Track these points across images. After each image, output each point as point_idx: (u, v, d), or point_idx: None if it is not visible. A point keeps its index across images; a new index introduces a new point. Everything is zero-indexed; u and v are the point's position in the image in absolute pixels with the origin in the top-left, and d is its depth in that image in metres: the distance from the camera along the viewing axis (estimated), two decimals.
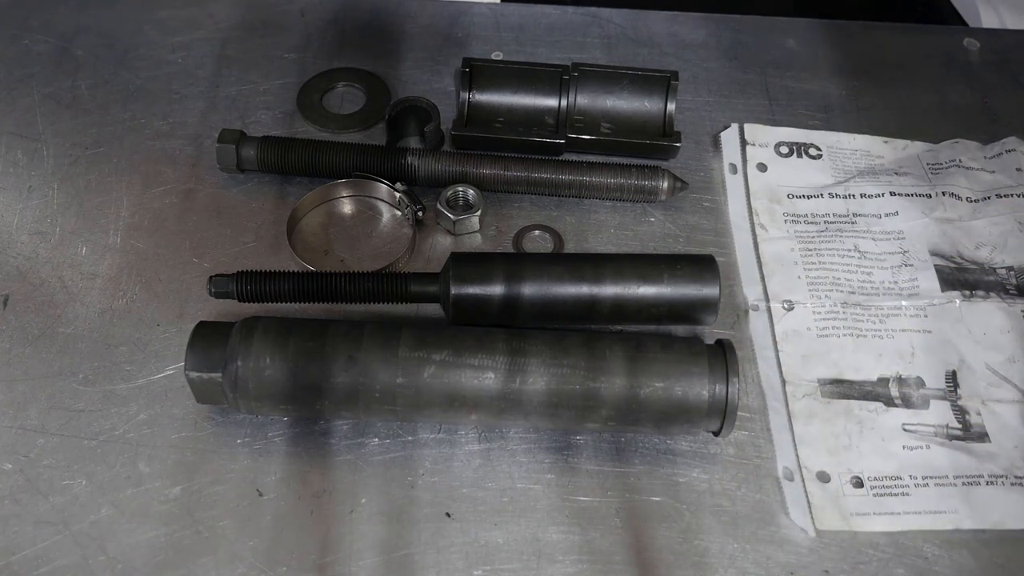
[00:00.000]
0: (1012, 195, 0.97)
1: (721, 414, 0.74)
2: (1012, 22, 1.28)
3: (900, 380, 0.85)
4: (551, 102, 1.04)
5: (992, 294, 0.91)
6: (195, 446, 0.78)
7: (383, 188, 0.96)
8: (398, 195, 0.94)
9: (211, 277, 0.83)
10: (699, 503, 0.77)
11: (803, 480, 0.78)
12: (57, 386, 0.82)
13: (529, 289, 0.80)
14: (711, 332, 0.88)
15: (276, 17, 1.17)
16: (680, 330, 0.87)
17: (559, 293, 0.81)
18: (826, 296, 0.91)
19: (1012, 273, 0.92)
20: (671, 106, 1.02)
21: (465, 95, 1.03)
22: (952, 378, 0.85)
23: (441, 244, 0.94)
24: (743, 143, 1.04)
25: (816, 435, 0.81)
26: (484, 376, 0.73)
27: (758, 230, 0.96)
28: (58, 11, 1.15)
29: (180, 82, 1.08)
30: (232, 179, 0.98)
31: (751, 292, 0.91)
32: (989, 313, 0.89)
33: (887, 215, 0.97)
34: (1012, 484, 0.78)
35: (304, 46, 1.13)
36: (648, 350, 0.75)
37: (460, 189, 0.95)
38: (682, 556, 0.74)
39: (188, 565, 0.72)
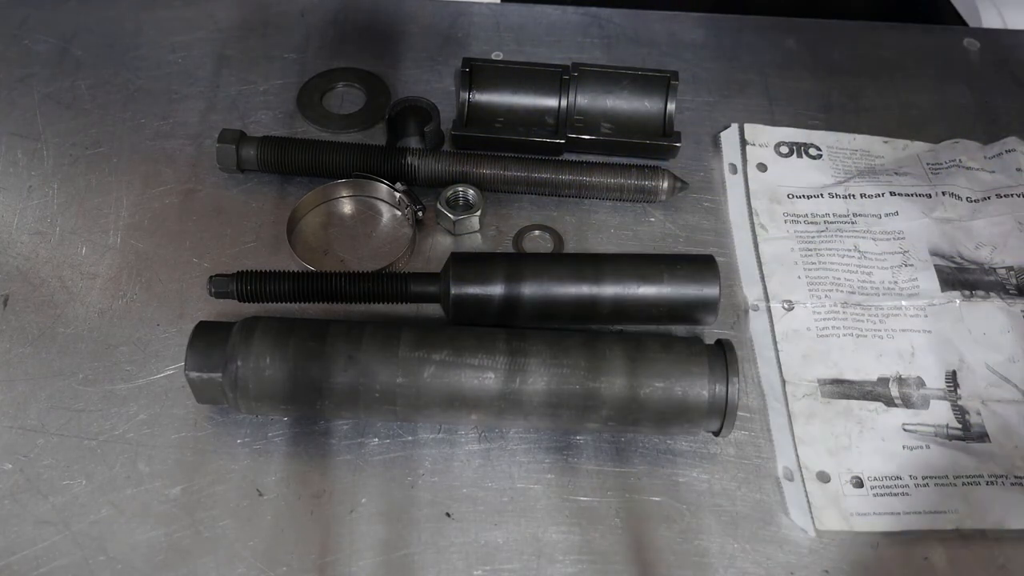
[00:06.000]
0: (1012, 195, 0.97)
1: (721, 414, 0.74)
2: (1012, 22, 1.28)
3: (900, 380, 0.85)
4: (551, 102, 1.04)
5: (992, 294, 0.91)
6: (195, 446, 0.78)
7: (383, 188, 0.96)
8: (398, 195, 0.94)
9: (211, 277, 0.83)
10: (699, 503, 0.77)
11: (803, 480, 0.78)
12: (57, 386, 0.82)
13: (529, 289, 0.80)
14: (711, 332, 0.88)
15: (276, 17, 1.17)
16: (680, 330, 0.87)
17: (559, 293, 0.81)
18: (826, 296, 0.90)
19: (1012, 273, 0.92)
20: (671, 106, 1.02)
21: (465, 95, 1.03)
22: (952, 378, 0.85)
23: (441, 244, 0.94)
24: (743, 143, 1.04)
25: (816, 435, 0.81)
26: (484, 376, 0.73)
27: (758, 230, 0.96)
28: (58, 11, 1.15)
29: (180, 82, 1.08)
30: (232, 179, 0.98)
31: (751, 292, 0.91)
32: (989, 313, 0.89)
33: (887, 215, 0.97)
34: (1012, 484, 0.78)
35: (304, 46, 1.13)
36: (648, 350, 0.75)
37: (460, 189, 0.95)
38: (682, 556, 0.74)
39: (188, 565, 0.72)
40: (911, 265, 0.93)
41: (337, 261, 0.92)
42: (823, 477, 0.79)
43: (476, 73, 1.03)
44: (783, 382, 0.85)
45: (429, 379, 0.73)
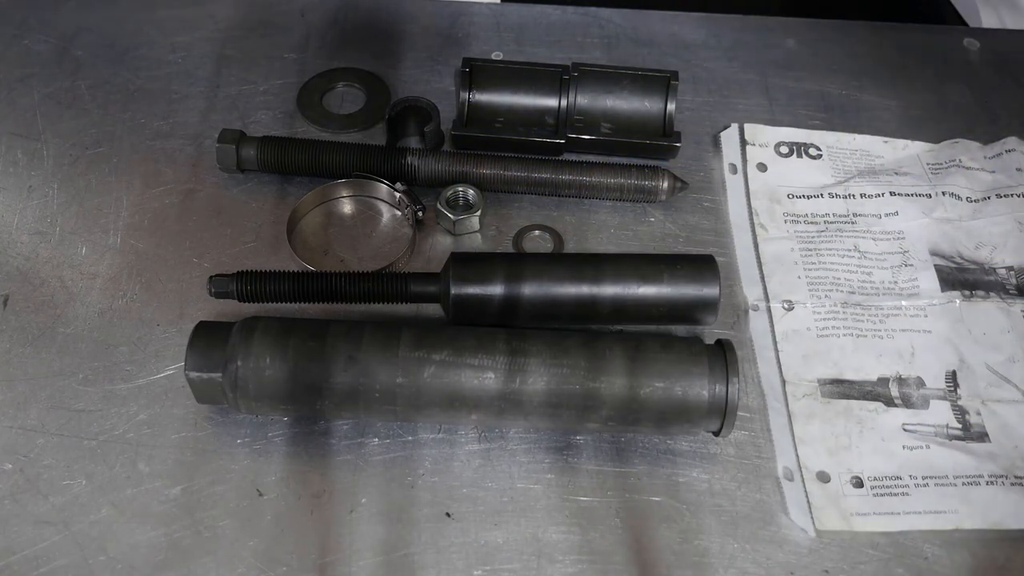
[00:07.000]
0: (1012, 195, 0.97)
1: (721, 414, 0.74)
2: (1012, 22, 1.28)
3: (900, 380, 0.85)
4: (551, 102, 1.04)
5: (992, 294, 0.91)
6: (195, 446, 0.78)
7: (383, 188, 0.96)
8: (398, 195, 0.94)
9: (211, 277, 0.83)
10: (699, 503, 0.77)
11: (803, 480, 0.78)
12: (57, 386, 0.82)
13: (529, 289, 0.80)
14: (711, 332, 0.88)
15: (276, 17, 1.17)
16: (680, 330, 0.87)
17: (559, 293, 0.81)
18: (826, 296, 0.91)
19: (1012, 273, 0.92)
20: (671, 106, 1.02)
21: (465, 95, 1.03)
22: (952, 378, 0.85)
23: (441, 244, 0.94)
24: (743, 143, 1.04)
25: (816, 435, 0.81)
26: (484, 376, 0.73)
27: (758, 230, 0.96)
28: (58, 11, 1.15)
29: (180, 82, 1.08)
30: (232, 179, 0.98)
31: (751, 292, 0.91)
32: (989, 313, 0.89)
33: (887, 215, 0.97)
34: (1012, 484, 0.78)
35: (304, 46, 1.13)
36: (648, 350, 0.75)
37: (460, 189, 0.95)
38: (682, 556, 0.74)
39: (188, 565, 0.72)
40: (911, 265, 0.93)
41: (337, 261, 0.92)
42: (823, 477, 0.79)
43: (476, 73, 1.03)
44: (783, 382, 0.85)
45: (429, 379, 0.73)
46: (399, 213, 0.97)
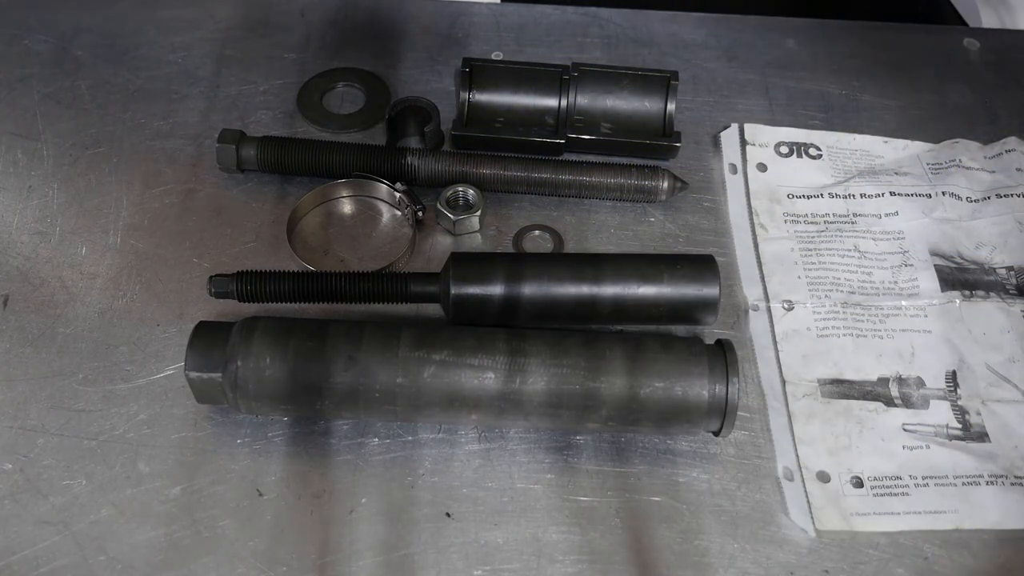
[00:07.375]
0: (1012, 195, 0.97)
1: (721, 414, 0.74)
2: (1012, 22, 1.28)
3: (900, 380, 0.85)
4: (551, 102, 1.04)
5: (992, 294, 0.91)
6: (195, 446, 0.78)
7: (383, 188, 0.96)
8: (398, 195, 0.94)
9: (211, 277, 0.83)
10: (699, 503, 0.77)
11: (803, 480, 0.78)
12: (57, 386, 0.82)
13: (529, 289, 0.80)
14: (711, 332, 0.88)
15: (276, 17, 1.17)
16: (680, 330, 0.87)
17: (559, 293, 0.81)
18: (826, 296, 0.91)
19: (1012, 273, 0.92)
20: (671, 106, 1.02)
21: (465, 95, 1.03)
22: (952, 378, 0.85)
23: (441, 244, 0.94)
24: (743, 143, 1.04)
25: (816, 435, 0.81)
26: (484, 376, 0.73)
27: (758, 230, 0.96)
28: (58, 11, 1.15)
29: (180, 82, 1.08)
30: (232, 179, 0.98)
31: (751, 292, 0.91)
32: (989, 313, 0.89)
33: (887, 215, 0.97)
34: (1012, 484, 0.78)
35: (304, 46, 1.13)
36: (648, 350, 0.75)
37: (460, 189, 0.95)
38: (682, 556, 0.74)
39: (188, 565, 0.72)
40: (911, 265, 0.93)
41: (337, 261, 0.92)
42: (823, 477, 0.79)
43: (476, 73, 1.03)
44: (783, 382, 0.85)
45: (429, 379, 0.73)
46: (399, 213, 0.97)
